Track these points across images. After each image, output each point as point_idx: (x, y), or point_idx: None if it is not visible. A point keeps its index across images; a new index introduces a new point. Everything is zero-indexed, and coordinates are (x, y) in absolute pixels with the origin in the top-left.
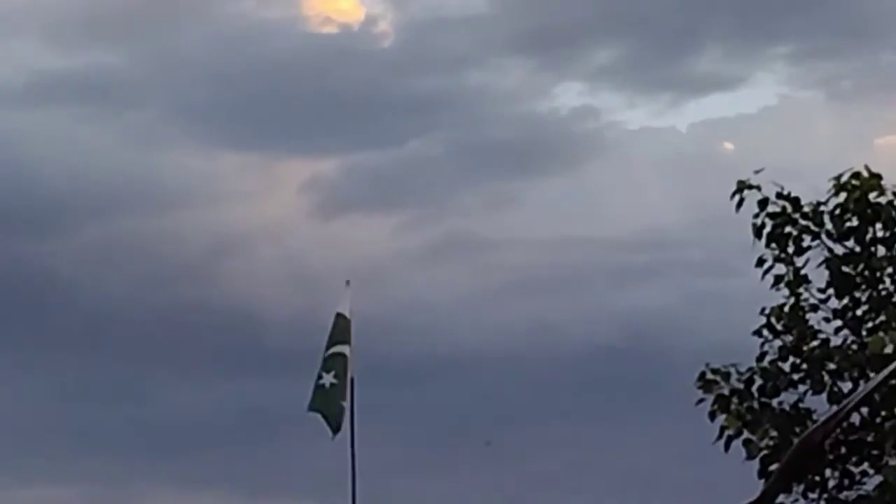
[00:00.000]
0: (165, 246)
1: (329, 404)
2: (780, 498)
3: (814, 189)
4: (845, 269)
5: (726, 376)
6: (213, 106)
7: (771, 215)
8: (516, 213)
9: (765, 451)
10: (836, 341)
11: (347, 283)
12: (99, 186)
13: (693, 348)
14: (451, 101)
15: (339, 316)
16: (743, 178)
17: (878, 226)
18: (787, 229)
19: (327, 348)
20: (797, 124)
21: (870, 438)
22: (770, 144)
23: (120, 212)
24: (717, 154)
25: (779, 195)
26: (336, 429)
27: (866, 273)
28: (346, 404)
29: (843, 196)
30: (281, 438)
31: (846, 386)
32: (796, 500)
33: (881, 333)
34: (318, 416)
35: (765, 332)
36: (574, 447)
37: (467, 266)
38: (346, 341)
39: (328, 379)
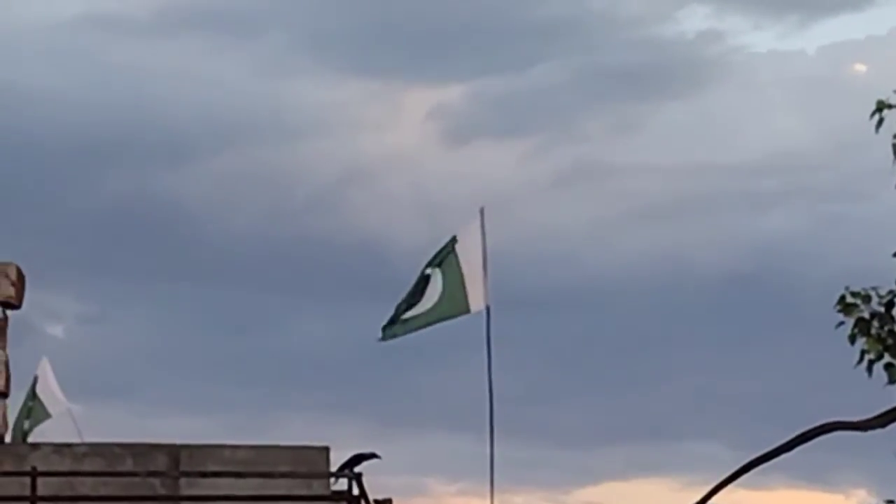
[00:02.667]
0: (293, 176)
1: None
2: None
3: None
4: None
5: (867, 299)
6: (338, 34)
7: None
8: (642, 139)
9: None
10: None
11: (481, 210)
12: (226, 117)
13: (825, 274)
14: (575, 27)
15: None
16: (875, 100)
17: None
18: None
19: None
20: None
21: None
22: None
23: (248, 142)
24: (848, 76)
25: None
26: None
27: None
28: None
29: None
30: (411, 368)
31: None
32: None
33: None
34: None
35: None
36: (703, 373)
37: (594, 193)
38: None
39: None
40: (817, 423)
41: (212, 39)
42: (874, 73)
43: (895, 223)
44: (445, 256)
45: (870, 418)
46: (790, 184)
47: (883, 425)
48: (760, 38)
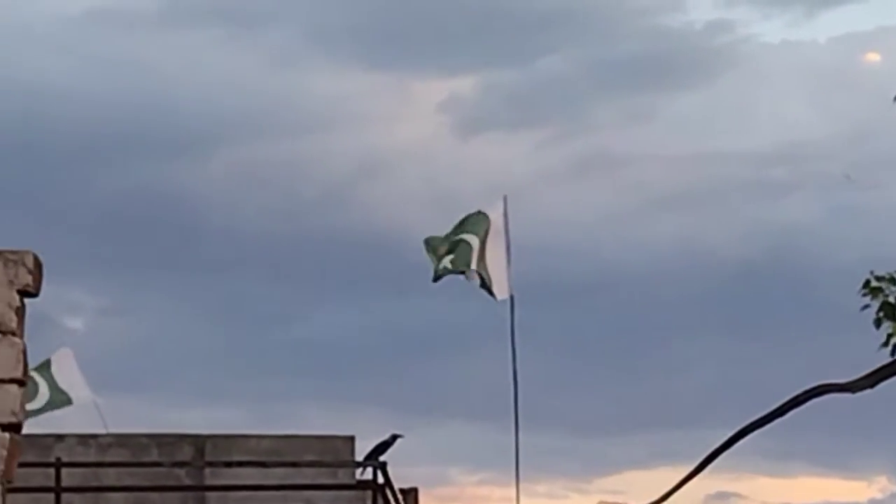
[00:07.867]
0: (306, 169)
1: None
2: None
3: None
4: None
5: (893, 281)
6: (348, 26)
7: None
8: (653, 129)
9: None
10: None
11: (504, 198)
12: (236, 111)
13: (838, 262)
14: (583, 17)
15: (479, 212)
16: (888, 90)
17: None
18: None
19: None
20: None
21: None
22: None
23: (258, 135)
24: (859, 66)
25: None
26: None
27: None
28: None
29: None
30: (433, 357)
31: None
32: None
33: None
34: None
35: None
36: (722, 361)
37: (606, 183)
38: (476, 233)
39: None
40: (807, 387)
41: (219, 33)
42: (887, 62)
43: None
44: (478, 225)
45: (858, 379)
46: (801, 173)
47: (871, 385)
48: (769, 27)
